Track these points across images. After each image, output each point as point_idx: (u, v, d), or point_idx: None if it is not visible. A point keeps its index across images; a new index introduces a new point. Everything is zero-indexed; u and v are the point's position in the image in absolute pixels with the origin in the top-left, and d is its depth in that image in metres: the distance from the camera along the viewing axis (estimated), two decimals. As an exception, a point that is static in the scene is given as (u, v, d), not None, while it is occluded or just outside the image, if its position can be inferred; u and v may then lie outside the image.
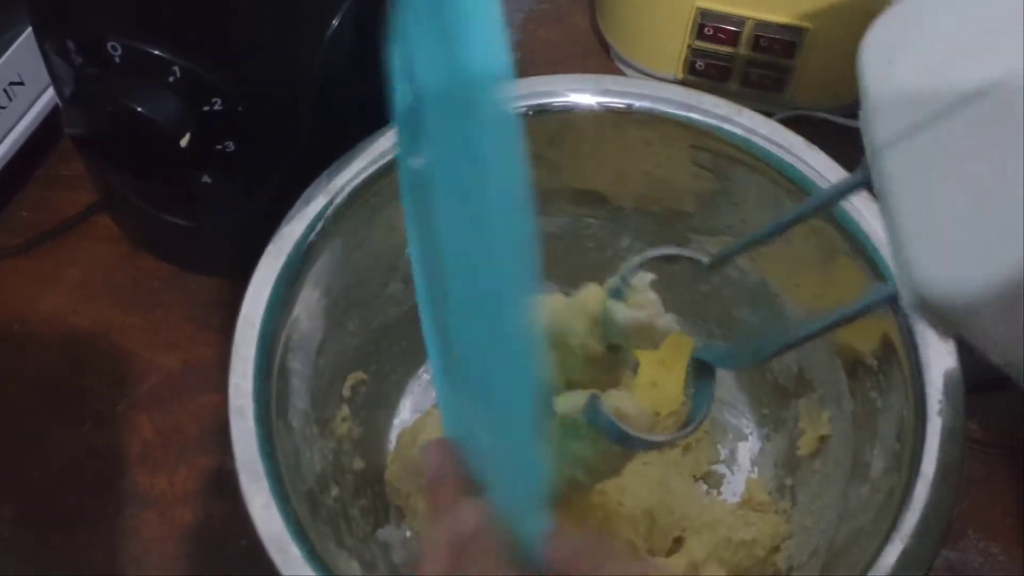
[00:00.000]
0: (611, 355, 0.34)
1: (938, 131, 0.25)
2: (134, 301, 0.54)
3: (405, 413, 0.52)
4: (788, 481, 0.48)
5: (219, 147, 0.44)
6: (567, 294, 0.35)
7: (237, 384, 0.40)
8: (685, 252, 0.34)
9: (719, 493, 0.49)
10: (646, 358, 0.51)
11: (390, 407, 0.52)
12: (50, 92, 0.57)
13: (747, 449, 0.50)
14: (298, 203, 0.44)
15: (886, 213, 0.26)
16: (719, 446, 0.51)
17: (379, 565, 0.45)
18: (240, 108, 0.43)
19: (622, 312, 0.33)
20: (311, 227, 0.44)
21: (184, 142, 0.42)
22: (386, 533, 0.47)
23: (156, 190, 0.48)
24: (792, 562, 0.45)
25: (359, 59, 0.46)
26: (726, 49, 0.58)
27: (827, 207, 0.34)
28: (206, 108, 0.43)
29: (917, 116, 0.26)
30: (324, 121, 0.46)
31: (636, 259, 0.33)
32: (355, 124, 0.45)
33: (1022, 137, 0.23)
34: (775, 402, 0.50)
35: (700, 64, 0.60)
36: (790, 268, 0.47)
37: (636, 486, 0.45)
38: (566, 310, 0.34)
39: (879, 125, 0.27)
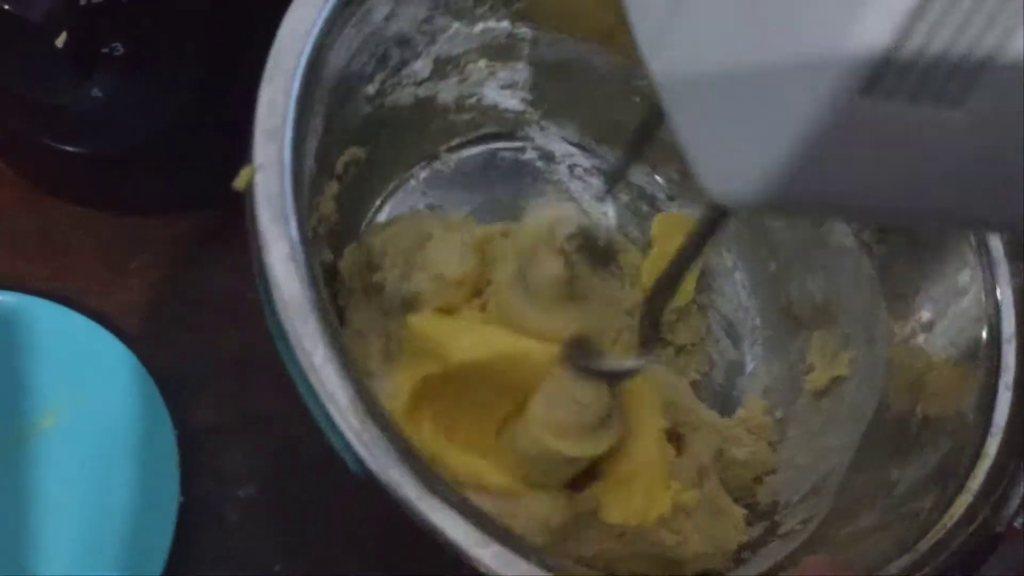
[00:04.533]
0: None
1: (680, 24, 0.24)
2: (37, 249, 0.45)
3: (382, 216, 0.44)
4: (778, 413, 0.44)
5: (105, 51, 0.38)
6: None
7: (272, 99, 0.30)
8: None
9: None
10: (662, 240, 0.46)
11: (371, 203, 0.43)
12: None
13: (740, 368, 0.46)
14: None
15: (669, 125, 0.24)
16: (712, 356, 0.46)
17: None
18: (124, 0, 0.37)
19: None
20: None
21: (60, 42, 0.35)
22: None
23: (44, 113, 0.40)
24: (778, 498, 0.41)
25: None
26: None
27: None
28: (83, 1, 0.36)
29: (660, 9, 0.24)
30: (229, 14, 0.38)
31: None
32: (265, 16, 0.36)
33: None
34: (782, 328, 0.46)
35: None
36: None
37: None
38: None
39: (640, 33, 0.25)
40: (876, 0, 0.19)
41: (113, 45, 0.38)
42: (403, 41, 0.39)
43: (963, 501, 0.33)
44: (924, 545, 0.32)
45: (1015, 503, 0.33)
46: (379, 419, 0.28)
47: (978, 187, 0.22)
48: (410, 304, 0.37)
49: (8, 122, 0.43)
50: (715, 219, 0.26)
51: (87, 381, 0.39)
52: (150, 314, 0.42)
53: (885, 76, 0.19)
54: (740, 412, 0.44)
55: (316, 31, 0.33)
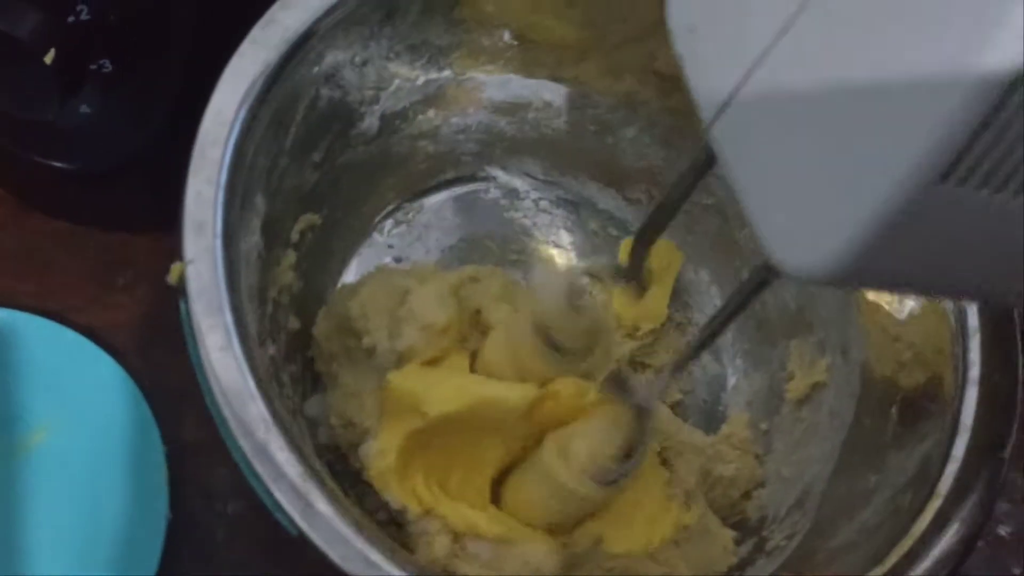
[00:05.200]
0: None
1: (749, 95, 0.24)
2: (24, 266, 0.46)
3: (350, 275, 0.44)
4: (763, 425, 0.44)
5: (93, 67, 0.39)
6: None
7: (199, 192, 0.31)
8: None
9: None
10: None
11: (336, 265, 0.44)
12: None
13: (722, 383, 0.46)
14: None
15: (732, 189, 0.24)
16: (692, 373, 0.46)
17: (306, 443, 0.38)
18: (112, 18, 0.38)
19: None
20: (313, 22, 0.35)
21: (49, 59, 0.37)
22: (312, 407, 0.40)
23: (32, 130, 0.41)
24: (765, 512, 0.41)
25: None
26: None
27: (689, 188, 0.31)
28: (71, 19, 0.37)
29: (727, 80, 0.24)
30: (212, 31, 0.39)
31: None
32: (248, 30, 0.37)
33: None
34: (761, 339, 0.46)
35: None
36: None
37: None
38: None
39: (699, 95, 0.25)
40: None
41: (101, 62, 0.39)
42: (342, 107, 0.40)
43: (933, 506, 0.33)
44: (894, 556, 0.32)
45: (989, 508, 0.33)
46: (327, 494, 0.29)
47: None
48: (406, 358, 0.38)
49: (2, 143, 0.44)
50: (765, 280, 0.27)
51: (77, 396, 0.39)
52: (139, 330, 0.43)
53: (960, 165, 0.20)
54: (724, 428, 0.44)
55: (242, 115, 0.34)
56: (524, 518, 0.38)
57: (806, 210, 0.23)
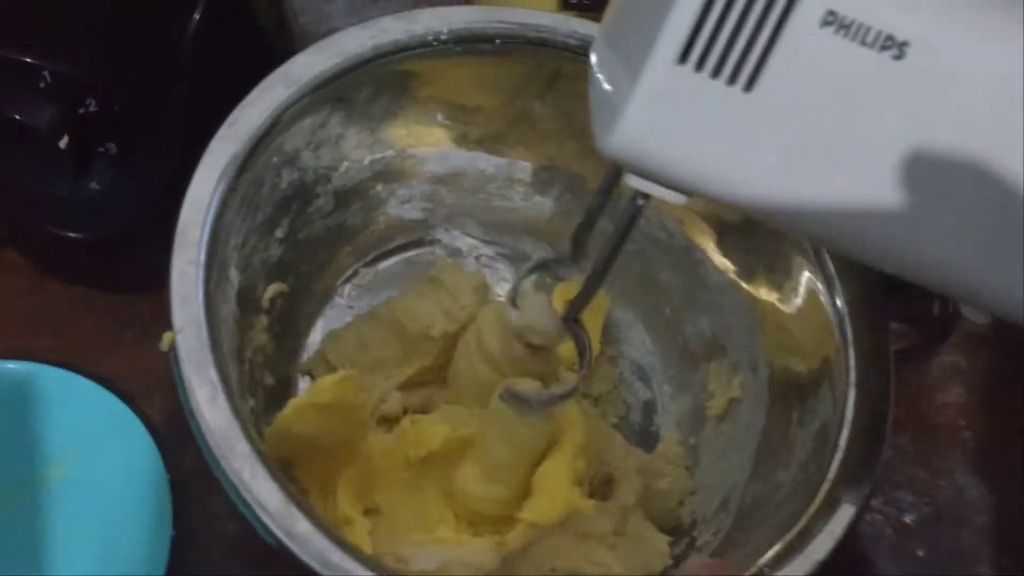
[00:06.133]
0: (534, 352, 0.42)
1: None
2: (43, 325, 0.52)
3: (316, 334, 0.50)
4: (691, 440, 0.49)
5: (101, 150, 0.45)
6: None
7: (183, 270, 0.37)
8: (551, 255, 0.41)
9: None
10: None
11: (303, 327, 0.49)
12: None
13: (654, 406, 0.52)
14: (256, 90, 0.42)
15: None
16: (626, 400, 0.52)
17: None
18: (116, 107, 0.44)
19: (515, 319, 0.41)
20: (272, 118, 0.41)
21: (63, 144, 0.43)
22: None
23: (48, 204, 0.48)
24: (696, 516, 0.46)
25: (230, 47, 0.46)
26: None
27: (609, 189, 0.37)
28: (81, 110, 0.43)
29: None
30: (199, 116, 0.44)
31: (522, 270, 0.41)
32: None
33: None
34: (683, 365, 0.52)
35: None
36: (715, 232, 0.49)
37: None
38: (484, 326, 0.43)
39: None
40: None
41: (108, 145, 0.45)
42: (301, 187, 0.46)
43: (823, 490, 0.39)
44: (790, 534, 0.37)
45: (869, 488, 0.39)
46: (308, 516, 0.34)
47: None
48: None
49: (17, 212, 0.50)
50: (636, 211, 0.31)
51: (91, 436, 0.44)
52: (144, 377, 0.48)
53: (692, 48, 0.26)
54: (659, 446, 0.49)
55: (215, 202, 0.40)
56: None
57: (609, 97, 0.28)
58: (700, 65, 0.26)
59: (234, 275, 0.41)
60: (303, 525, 0.34)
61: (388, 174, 0.51)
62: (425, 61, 0.46)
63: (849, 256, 0.31)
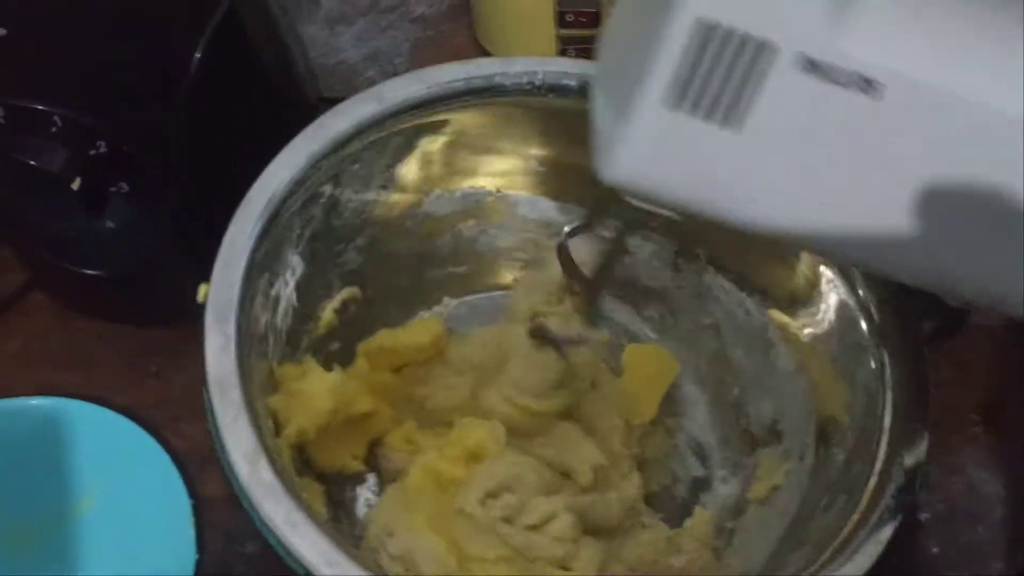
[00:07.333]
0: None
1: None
2: (71, 361, 0.55)
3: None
4: (729, 524, 0.47)
5: (113, 189, 0.46)
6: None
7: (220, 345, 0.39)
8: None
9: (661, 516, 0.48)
10: (632, 367, 0.51)
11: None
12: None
13: (701, 484, 0.50)
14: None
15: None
16: (675, 471, 0.50)
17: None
18: (125, 149, 0.45)
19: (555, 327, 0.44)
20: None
21: (75, 186, 0.44)
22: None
23: (66, 244, 0.50)
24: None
25: (232, 84, 0.48)
26: (589, 32, 0.58)
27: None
28: (92, 152, 0.44)
29: None
30: (203, 154, 0.47)
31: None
32: (245, 146, 0.46)
33: None
34: (741, 448, 0.49)
35: (571, 51, 0.59)
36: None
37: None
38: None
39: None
40: None
41: (119, 184, 0.46)
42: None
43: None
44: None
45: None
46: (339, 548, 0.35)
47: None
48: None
49: (38, 254, 0.52)
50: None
51: (118, 465, 0.45)
52: (168, 407, 0.50)
53: (686, 94, 0.27)
54: (687, 522, 0.47)
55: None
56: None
57: (604, 136, 0.30)
58: (689, 107, 0.28)
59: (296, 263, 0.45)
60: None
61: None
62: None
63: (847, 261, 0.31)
